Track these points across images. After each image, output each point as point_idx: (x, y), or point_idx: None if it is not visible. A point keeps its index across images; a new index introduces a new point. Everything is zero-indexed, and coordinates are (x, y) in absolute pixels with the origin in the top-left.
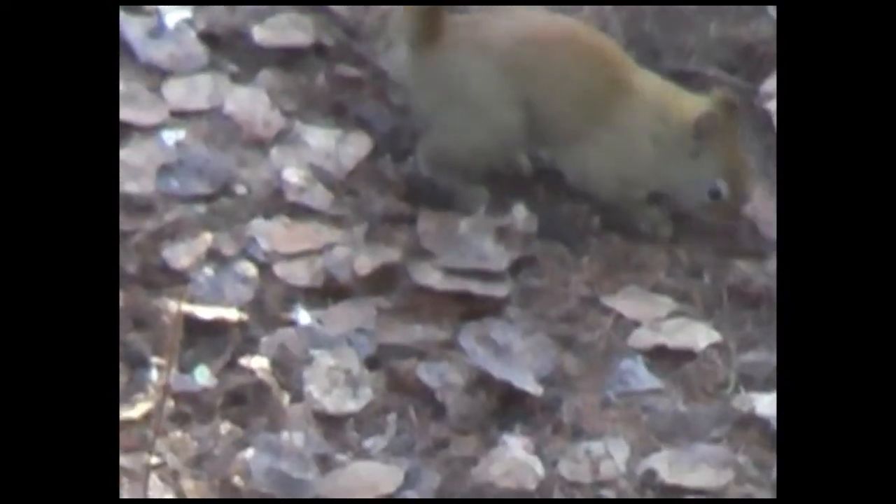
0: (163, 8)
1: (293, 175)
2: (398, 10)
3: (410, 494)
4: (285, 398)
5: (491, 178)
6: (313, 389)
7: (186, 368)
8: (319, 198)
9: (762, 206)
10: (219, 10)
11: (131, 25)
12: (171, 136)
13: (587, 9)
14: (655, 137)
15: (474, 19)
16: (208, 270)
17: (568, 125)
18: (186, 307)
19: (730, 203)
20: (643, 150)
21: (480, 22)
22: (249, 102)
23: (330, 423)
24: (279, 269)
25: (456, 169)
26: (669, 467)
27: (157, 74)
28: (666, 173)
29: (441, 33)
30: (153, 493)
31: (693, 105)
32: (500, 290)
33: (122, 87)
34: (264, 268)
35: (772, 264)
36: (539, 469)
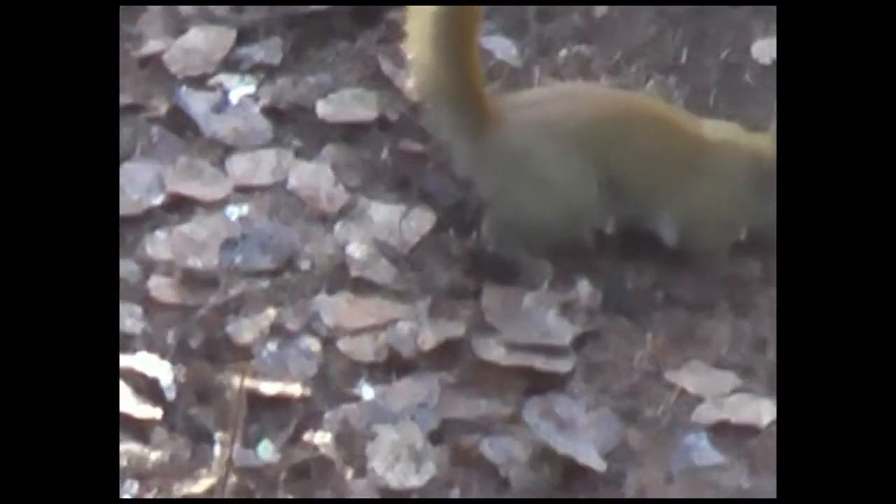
0: (227, 83)
1: (357, 250)
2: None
3: None
4: (349, 473)
5: (555, 252)
6: (377, 465)
7: (250, 443)
8: (383, 272)
9: None
10: (283, 85)
11: (195, 100)
12: (234, 211)
13: (650, 83)
14: (751, 176)
15: (532, 99)
16: (272, 345)
17: (657, 190)
18: (250, 382)
19: None
20: (743, 192)
21: (542, 102)
22: (313, 177)
23: (394, 499)
24: (343, 345)
25: (522, 244)
26: None
27: (221, 149)
28: (767, 207)
29: (497, 116)
30: None
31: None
32: (563, 365)
33: (186, 161)
34: (328, 343)
35: None
36: None
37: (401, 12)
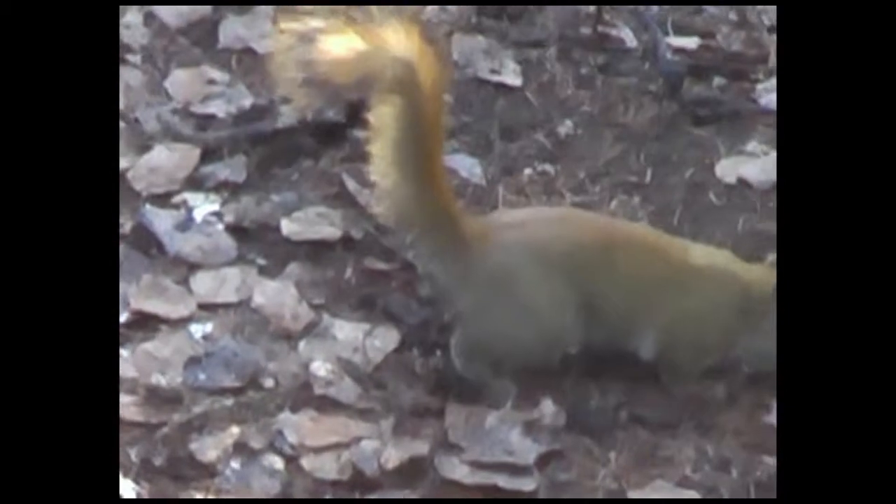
0: (191, 201)
1: (321, 368)
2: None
3: None
4: None
5: (518, 372)
6: None
7: None
8: (347, 391)
9: None
10: (247, 203)
11: (160, 218)
12: (198, 329)
13: (615, 202)
14: (741, 308)
15: (518, 220)
16: (235, 463)
17: (639, 313)
18: (213, 500)
19: None
20: (726, 318)
21: (528, 224)
22: (278, 295)
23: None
24: (306, 463)
25: (489, 363)
26: None
27: (186, 267)
28: (749, 338)
29: (481, 235)
30: None
31: (765, 274)
32: (527, 484)
33: (150, 279)
34: (291, 461)
35: None
36: None
37: (365, 132)
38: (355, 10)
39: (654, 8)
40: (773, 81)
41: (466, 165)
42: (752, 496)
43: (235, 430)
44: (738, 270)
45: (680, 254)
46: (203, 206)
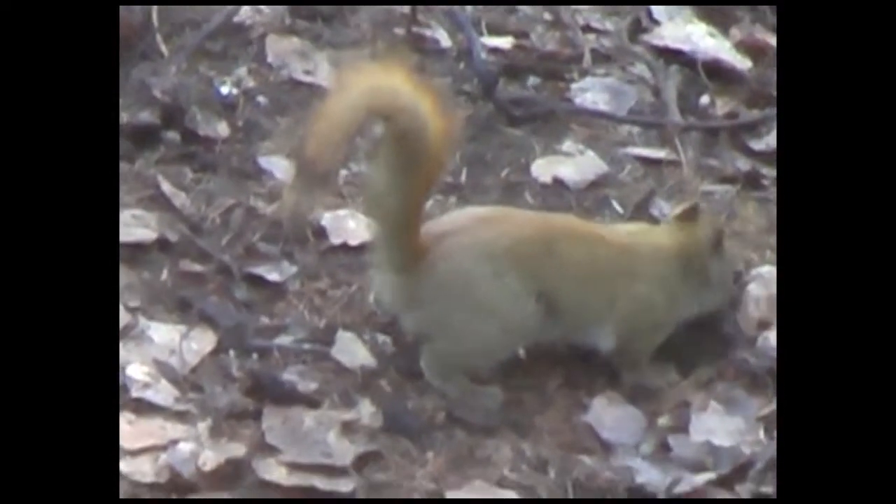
0: None
1: (137, 371)
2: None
3: None
4: None
5: (336, 372)
6: None
7: None
8: (164, 394)
9: (603, 413)
10: None
11: None
12: None
13: (430, 202)
14: (682, 271)
15: (455, 225)
16: None
17: (593, 304)
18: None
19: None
20: (675, 290)
21: (467, 227)
22: None
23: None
24: (124, 465)
25: (465, 372)
26: None
27: None
28: (701, 294)
29: (424, 249)
30: None
31: (692, 230)
32: (344, 485)
33: None
34: None
35: (616, 460)
36: None
37: (177, 134)
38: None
39: (469, 8)
40: (588, 80)
41: (282, 167)
42: (571, 496)
43: None
44: (664, 237)
45: (615, 238)
46: None
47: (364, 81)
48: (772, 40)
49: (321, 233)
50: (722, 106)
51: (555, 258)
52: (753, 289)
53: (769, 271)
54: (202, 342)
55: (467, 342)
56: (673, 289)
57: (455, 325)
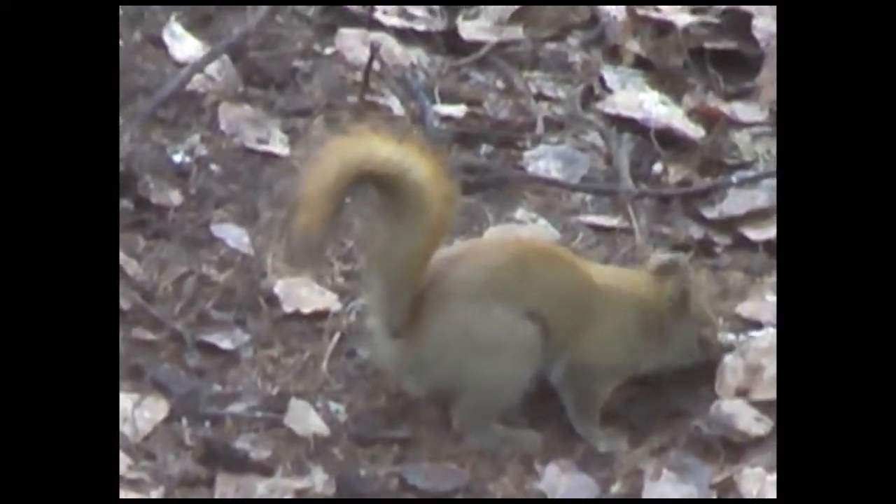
0: None
1: None
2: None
3: None
4: None
5: (287, 440)
6: None
7: None
8: None
9: (556, 480)
10: None
11: None
12: None
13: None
14: (643, 324)
15: (430, 275)
16: None
17: (565, 327)
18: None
19: (714, 343)
20: (635, 339)
21: (443, 275)
22: None
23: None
24: None
25: (498, 417)
26: None
27: None
28: (659, 351)
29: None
30: None
31: (654, 282)
32: None
33: None
34: None
35: None
36: None
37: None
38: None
39: (421, 76)
40: (540, 148)
41: (234, 235)
42: None
43: None
44: (632, 285)
45: (585, 268)
46: None
47: (352, 144)
48: (724, 108)
49: (274, 300)
50: (674, 174)
51: (532, 277)
52: (730, 359)
53: (744, 340)
54: (155, 410)
55: (488, 386)
56: (630, 339)
57: (470, 375)
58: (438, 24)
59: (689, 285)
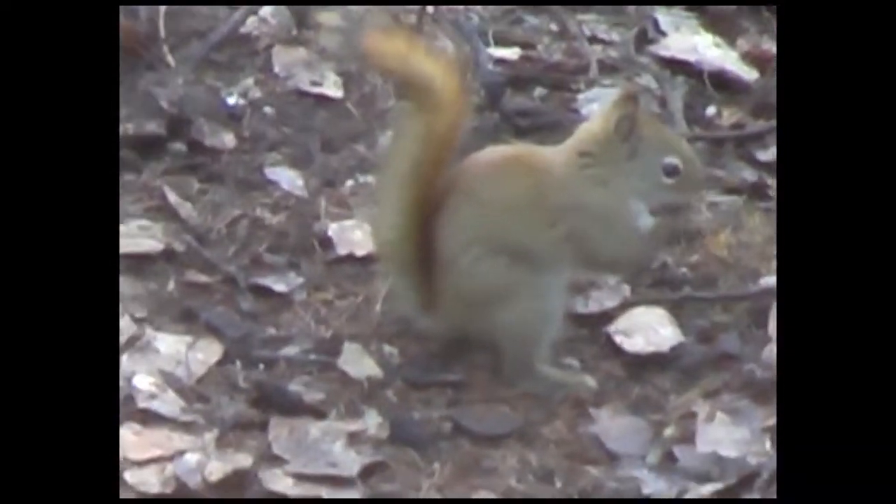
0: None
1: (143, 381)
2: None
3: None
4: None
5: (342, 383)
6: None
7: None
8: (170, 404)
9: (609, 423)
10: None
11: None
12: None
13: None
14: (597, 177)
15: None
16: None
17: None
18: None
19: (689, 171)
20: (603, 199)
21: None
22: None
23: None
24: (129, 476)
25: (542, 358)
26: None
27: None
28: (633, 189)
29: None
30: None
31: (596, 125)
32: (351, 495)
33: None
34: None
35: (622, 471)
36: None
37: (183, 144)
38: None
39: (475, 18)
40: (594, 91)
41: (288, 178)
42: None
43: None
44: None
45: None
46: None
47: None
48: None
49: (327, 243)
50: (728, 117)
51: (493, 214)
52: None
53: None
54: (208, 353)
55: (515, 333)
56: (599, 198)
57: (498, 330)
58: None
59: (632, 112)
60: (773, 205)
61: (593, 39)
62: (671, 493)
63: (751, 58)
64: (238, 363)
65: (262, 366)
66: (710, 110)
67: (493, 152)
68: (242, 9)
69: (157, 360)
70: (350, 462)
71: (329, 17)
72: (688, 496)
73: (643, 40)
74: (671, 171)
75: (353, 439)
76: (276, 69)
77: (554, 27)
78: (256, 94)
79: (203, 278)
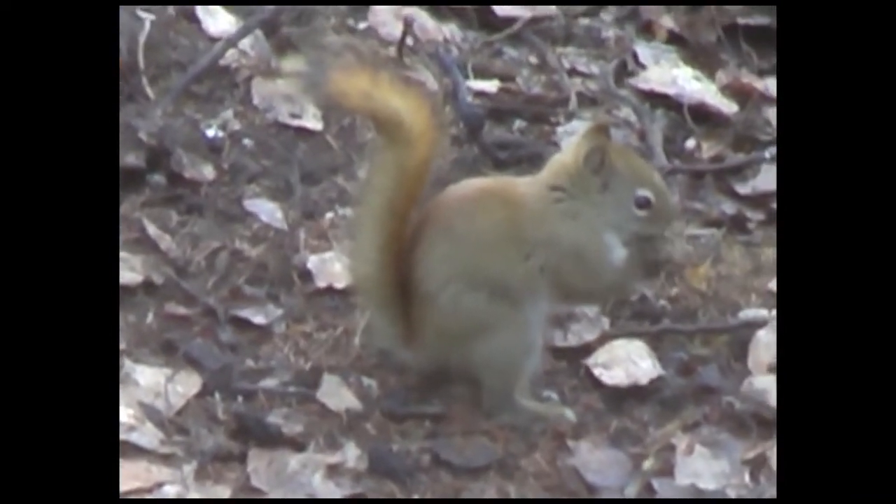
0: None
1: (123, 413)
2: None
3: None
4: None
5: (320, 415)
6: None
7: None
8: (149, 436)
9: (589, 456)
10: None
11: None
12: None
13: None
14: (569, 210)
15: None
16: None
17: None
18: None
19: (661, 203)
20: (575, 232)
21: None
22: None
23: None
24: None
25: (519, 390)
26: None
27: None
28: (606, 222)
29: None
30: None
31: (567, 158)
32: None
33: None
34: None
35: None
36: None
37: (163, 176)
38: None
39: (454, 51)
40: (573, 124)
41: (268, 210)
42: None
43: None
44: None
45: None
46: None
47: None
48: (757, 83)
49: (307, 275)
50: (708, 149)
51: (466, 250)
52: (762, 335)
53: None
54: (187, 385)
55: (494, 365)
56: (571, 229)
57: (475, 362)
58: None
59: (603, 145)
60: (752, 237)
61: (573, 72)
62: None
63: (730, 91)
64: (217, 395)
65: (241, 398)
66: (690, 143)
67: (468, 185)
68: (222, 41)
69: (137, 392)
70: (329, 494)
71: (291, 63)
72: None
73: (623, 73)
74: (643, 204)
75: (332, 471)
76: (256, 101)
77: (533, 59)
78: (236, 126)
79: (182, 310)
